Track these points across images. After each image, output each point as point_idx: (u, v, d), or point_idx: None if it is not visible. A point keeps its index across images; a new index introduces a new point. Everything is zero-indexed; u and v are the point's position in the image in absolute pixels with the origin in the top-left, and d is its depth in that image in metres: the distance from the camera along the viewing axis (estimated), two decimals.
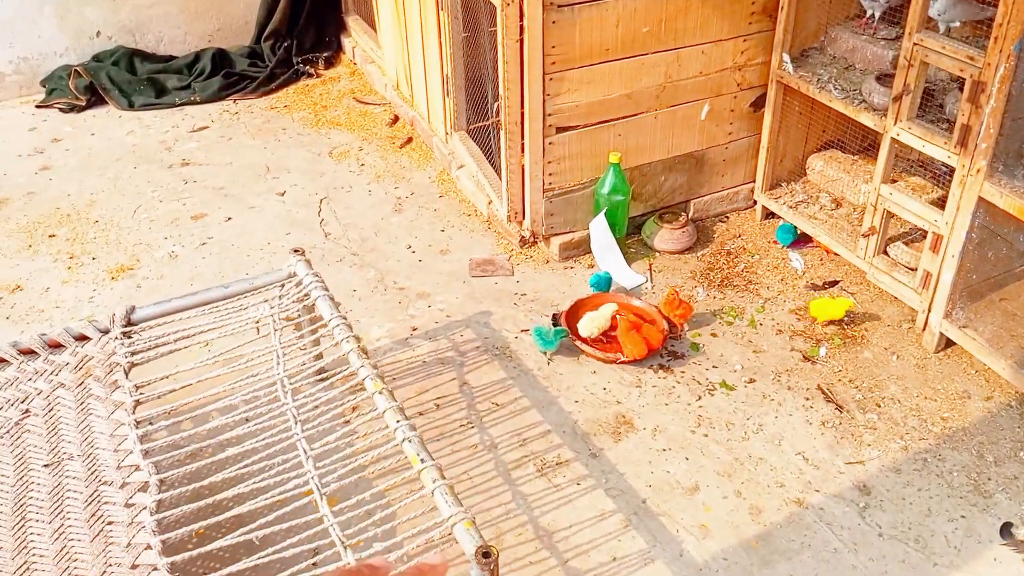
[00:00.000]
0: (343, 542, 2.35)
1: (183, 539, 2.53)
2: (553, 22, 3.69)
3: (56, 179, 5.01)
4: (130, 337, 3.11)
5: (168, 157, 5.21)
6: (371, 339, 3.80)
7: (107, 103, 5.73)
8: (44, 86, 5.78)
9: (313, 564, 2.33)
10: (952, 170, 3.45)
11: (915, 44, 3.43)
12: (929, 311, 3.67)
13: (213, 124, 5.56)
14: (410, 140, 5.27)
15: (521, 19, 3.69)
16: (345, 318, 3.09)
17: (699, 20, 3.98)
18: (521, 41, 3.73)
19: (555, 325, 3.82)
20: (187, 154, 5.25)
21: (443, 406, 3.48)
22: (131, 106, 5.66)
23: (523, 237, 4.29)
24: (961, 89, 3.37)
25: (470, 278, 4.19)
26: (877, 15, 4.00)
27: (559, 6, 3.68)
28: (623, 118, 4.07)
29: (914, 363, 3.69)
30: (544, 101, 3.88)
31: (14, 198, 4.84)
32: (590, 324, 3.71)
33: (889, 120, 3.64)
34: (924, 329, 3.73)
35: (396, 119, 5.49)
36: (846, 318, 3.81)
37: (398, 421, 2.65)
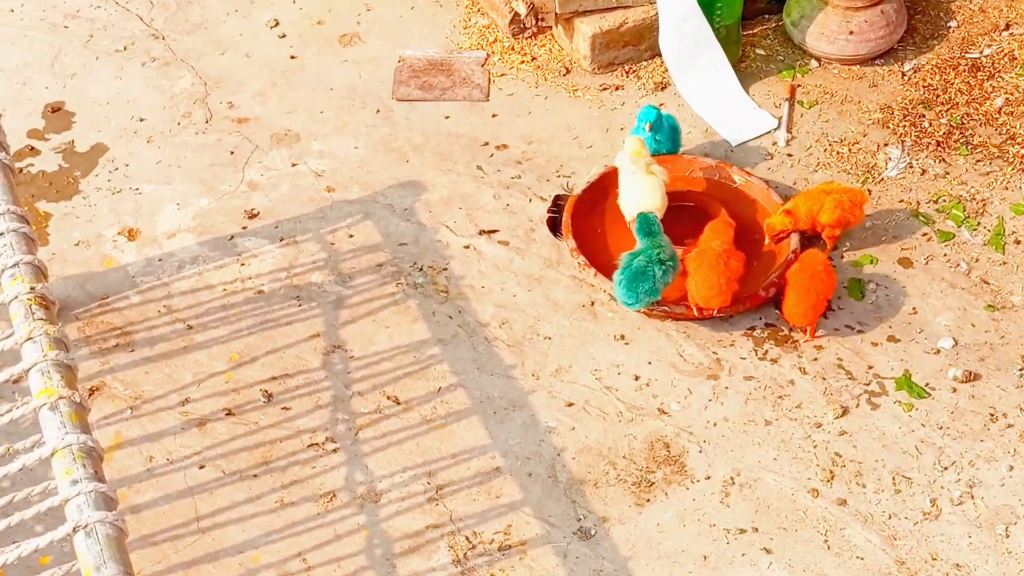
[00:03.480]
0: None
1: None
2: None
3: None
4: None
5: None
6: (158, 233, 2.01)
7: None
8: None
9: None
10: None
11: None
12: None
13: None
14: None
15: None
16: (26, 220, 1.49)
17: None
18: None
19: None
20: None
21: (271, 413, 1.76)
22: None
23: (516, 16, 2.06)
24: None
25: (393, 102, 2.15)
26: None
27: None
28: None
29: None
30: None
31: None
32: (634, 206, 1.88)
33: None
34: None
35: None
36: None
37: None
